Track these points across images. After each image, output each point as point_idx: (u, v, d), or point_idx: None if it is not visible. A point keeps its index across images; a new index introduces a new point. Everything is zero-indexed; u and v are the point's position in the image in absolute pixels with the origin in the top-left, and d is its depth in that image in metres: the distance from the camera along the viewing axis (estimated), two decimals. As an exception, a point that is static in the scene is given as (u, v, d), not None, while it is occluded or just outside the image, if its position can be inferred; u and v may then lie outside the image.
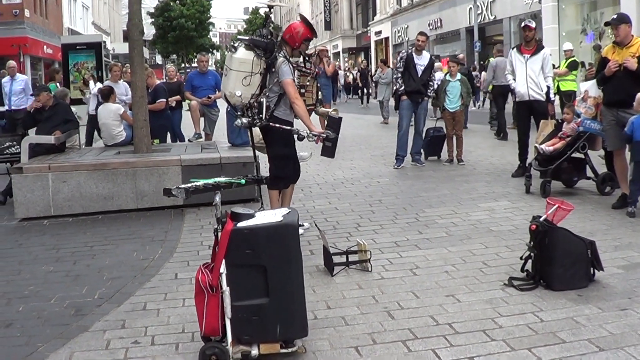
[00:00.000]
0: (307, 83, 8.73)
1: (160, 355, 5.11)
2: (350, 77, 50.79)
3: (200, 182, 5.05)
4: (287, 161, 8.36)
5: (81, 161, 10.82)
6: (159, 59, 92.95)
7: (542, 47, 12.03)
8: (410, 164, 13.79)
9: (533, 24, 11.87)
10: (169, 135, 15.63)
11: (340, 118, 8.47)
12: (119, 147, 12.61)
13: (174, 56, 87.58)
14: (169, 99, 15.10)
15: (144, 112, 11.67)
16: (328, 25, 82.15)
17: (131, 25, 11.79)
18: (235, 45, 8.13)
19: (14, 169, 10.50)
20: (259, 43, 8.07)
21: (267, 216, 4.86)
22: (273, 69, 8.07)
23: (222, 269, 4.68)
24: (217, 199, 4.82)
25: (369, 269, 6.87)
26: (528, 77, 11.60)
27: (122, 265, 7.64)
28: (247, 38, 8.24)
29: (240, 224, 4.72)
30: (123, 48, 69.70)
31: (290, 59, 8.23)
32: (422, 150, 14.17)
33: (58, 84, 18.20)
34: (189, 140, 14.99)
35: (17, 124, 13.84)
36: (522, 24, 12.03)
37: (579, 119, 10.13)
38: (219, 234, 4.75)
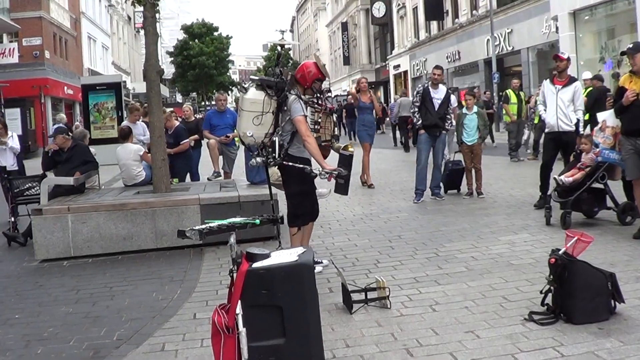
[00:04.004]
0: (319, 120, 8.73)
1: (178, 397, 5.08)
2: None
3: (215, 223, 5.04)
4: (304, 198, 8.34)
5: (100, 202, 10.87)
6: (179, 98, 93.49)
7: (575, 80, 11.88)
8: (429, 198, 13.74)
9: (565, 55, 11.76)
10: (187, 175, 15.68)
11: (351, 155, 8.47)
12: (138, 187, 12.65)
13: (194, 94, 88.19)
14: (189, 139, 15.15)
15: (162, 152, 11.71)
16: (347, 60, 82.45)
17: (148, 66, 11.88)
18: (246, 85, 8.17)
19: (34, 211, 10.53)
20: (269, 82, 8.10)
21: (283, 256, 4.84)
22: (285, 108, 8.10)
23: (238, 309, 4.67)
24: (232, 239, 4.81)
25: (388, 306, 6.82)
26: (558, 107, 11.46)
27: (141, 306, 7.64)
28: (257, 78, 8.28)
29: (256, 265, 4.71)
30: (143, 87, 69.61)
31: (303, 97, 8.24)
32: (441, 184, 14.12)
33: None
34: (208, 179, 15.01)
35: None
36: (553, 55, 11.97)
37: (598, 149, 10.07)
38: (235, 274, 4.74)
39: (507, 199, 13.16)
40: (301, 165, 8.10)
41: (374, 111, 16.99)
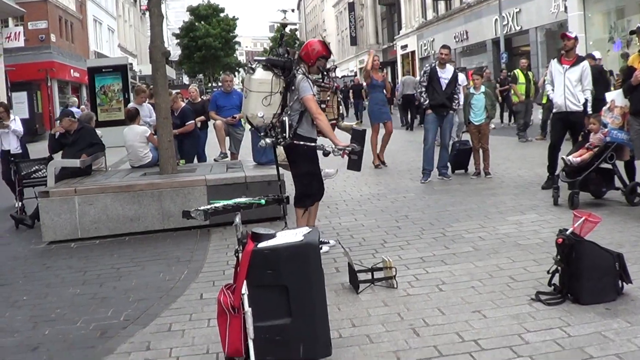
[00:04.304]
0: (327, 98, 8.69)
1: (184, 377, 5.09)
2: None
3: (220, 204, 5.02)
4: (312, 178, 8.32)
5: (107, 183, 10.88)
6: (185, 79, 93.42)
7: (583, 59, 11.77)
8: (437, 178, 13.72)
9: (573, 34, 11.65)
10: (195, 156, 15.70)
11: (365, 130, 8.44)
12: (145, 169, 12.66)
13: (201, 76, 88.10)
14: (195, 120, 15.15)
15: (169, 134, 11.71)
16: (354, 41, 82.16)
17: (154, 48, 11.87)
18: (253, 66, 8.13)
19: (41, 193, 10.55)
20: (277, 62, 8.04)
21: (288, 236, 4.83)
22: (293, 87, 8.06)
23: (244, 289, 4.67)
24: (237, 220, 4.80)
25: (395, 286, 6.81)
26: (566, 87, 11.36)
27: (148, 287, 7.66)
28: (264, 59, 8.24)
29: (261, 245, 4.70)
30: (150, 69, 69.27)
31: (309, 75, 8.21)
32: (448, 164, 14.09)
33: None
34: (214, 160, 14.99)
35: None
36: (561, 34, 11.87)
37: (606, 129, 10.01)
38: (240, 254, 4.73)
39: (514, 179, 13.12)
40: (313, 144, 8.08)
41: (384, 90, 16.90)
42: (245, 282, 4.67)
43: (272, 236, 4.80)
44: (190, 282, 7.67)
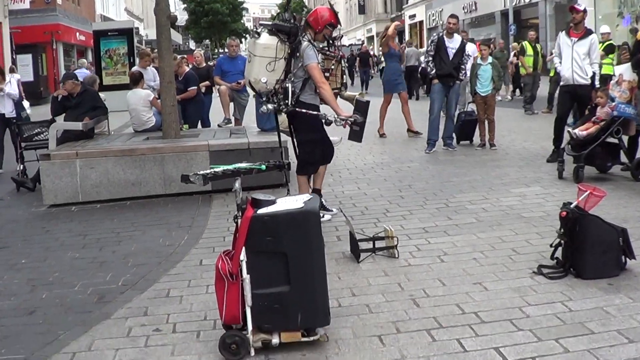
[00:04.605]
0: (332, 67, 8.58)
1: (180, 342, 5.05)
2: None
3: (220, 168, 4.94)
4: (315, 146, 8.25)
5: (109, 147, 10.80)
6: (192, 45, 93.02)
7: (591, 33, 11.60)
8: (441, 148, 13.61)
9: (581, 6, 11.47)
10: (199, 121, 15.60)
11: (368, 101, 8.31)
12: (148, 133, 12.56)
13: (207, 41, 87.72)
14: (200, 85, 15.04)
15: (172, 98, 11.62)
16: (362, 9, 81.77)
17: (158, 10, 11.73)
18: (258, 31, 8.02)
19: (42, 156, 10.47)
20: (283, 28, 7.94)
21: (289, 202, 4.76)
22: (297, 54, 7.97)
23: (242, 256, 4.61)
24: (237, 185, 4.72)
25: (396, 256, 6.76)
26: (574, 60, 11.23)
27: (147, 252, 7.62)
28: (270, 23, 8.13)
29: (261, 211, 4.62)
30: (155, 34, 69.32)
31: (314, 42, 8.11)
32: (454, 135, 13.98)
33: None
34: (218, 126, 14.90)
35: None
36: (569, 7, 11.71)
37: (613, 103, 9.88)
38: (239, 220, 4.66)
39: (519, 152, 13.00)
40: (315, 112, 8.00)
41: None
42: (244, 248, 4.60)
43: (272, 202, 4.73)
44: (190, 248, 7.63)
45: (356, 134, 8.32)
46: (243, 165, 5.07)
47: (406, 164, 12.22)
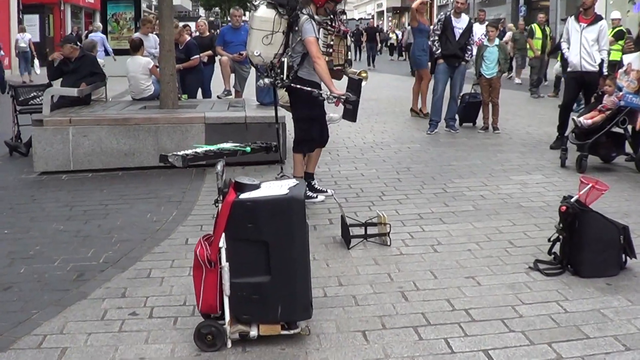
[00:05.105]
0: (332, 42, 8.32)
1: (156, 329, 4.83)
2: (394, 37, 49.71)
3: (203, 149, 4.70)
4: (312, 123, 8.02)
5: (103, 115, 10.56)
6: (201, 12, 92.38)
7: (601, 18, 11.29)
8: (444, 130, 13.34)
9: None
10: (199, 91, 15.34)
11: (361, 80, 8.05)
12: (146, 102, 12.31)
13: (217, 9, 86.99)
14: (202, 54, 14.77)
15: (171, 67, 11.36)
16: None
17: (160, -24, 11.45)
18: (257, 3, 7.80)
19: (34, 121, 10.22)
20: (281, 1, 7.73)
21: (273, 188, 4.51)
22: (296, 28, 7.73)
23: (222, 243, 4.37)
24: (219, 167, 4.48)
25: (388, 243, 6.53)
26: (582, 47, 10.96)
27: (133, 227, 7.40)
28: None
29: (243, 196, 4.38)
30: (166, -1, 68.96)
31: (316, 17, 7.85)
32: (457, 117, 13.71)
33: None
34: (217, 97, 14.66)
35: None
36: None
37: (620, 93, 9.60)
38: (220, 205, 4.42)
39: (523, 137, 12.74)
40: (309, 89, 7.75)
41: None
42: (223, 234, 4.37)
43: (256, 187, 4.48)
44: (177, 225, 7.41)
45: (349, 113, 8.06)
46: (227, 145, 4.81)
47: (406, 145, 11.95)
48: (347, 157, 10.99)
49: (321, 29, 8.01)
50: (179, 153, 4.57)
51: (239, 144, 4.82)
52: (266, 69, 7.91)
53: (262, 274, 4.40)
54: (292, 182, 4.61)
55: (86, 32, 32.21)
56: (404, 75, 28.90)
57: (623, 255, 5.79)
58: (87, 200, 8.59)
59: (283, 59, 7.82)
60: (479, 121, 13.81)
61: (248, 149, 4.76)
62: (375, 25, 42.39)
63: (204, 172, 9.74)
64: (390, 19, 72.31)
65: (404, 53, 41.82)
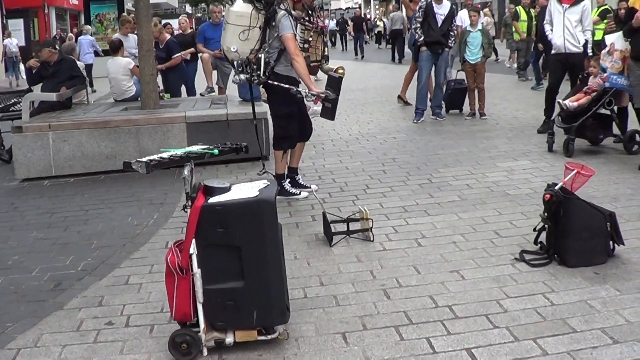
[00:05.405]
0: (310, 38, 8.17)
1: (132, 339, 4.70)
2: (381, 25, 49.40)
3: (168, 153, 4.54)
4: (290, 120, 7.88)
5: (83, 119, 10.41)
6: (188, 8, 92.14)
7: None
8: (430, 118, 13.19)
9: None
10: (184, 89, 15.18)
11: (341, 78, 7.88)
12: (127, 103, 12.16)
13: (203, 4, 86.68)
14: (184, 52, 14.61)
15: (151, 67, 11.22)
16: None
17: (137, -26, 11.27)
18: None
19: (14, 128, 10.09)
20: None
21: (243, 190, 4.36)
22: (273, 23, 7.58)
23: (192, 249, 4.23)
24: (186, 172, 4.34)
25: (371, 239, 6.39)
26: (565, 28, 10.77)
27: (113, 232, 7.28)
28: None
29: (212, 200, 4.24)
30: (151, -2, 68.89)
31: (293, 12, 7.71)
32: (443, 104, 13.56)
33: None
34: (200, 94, 14.51)
35: None
36: None
37: (605, 74, 9.45)
38: (189, 210, 4.28)
39: (510, 121, 12.60)
40: (287, 86, 7.61)
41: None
42: (194, 240, 4.23)
43: (226, 190, 4.34)
44: (158, 228, 7.30)
45: (328, 111, 7.88)
46: (195, 148, 4.65)
47: (392, 135, 11.81)
48: (332, 150, 10.84)
49: (298, 25, 7.89)
50: (142, 159, 4.43)
51: (207, 147, 4.66)
52: (242, 64, 7.75)
53: (236, 280, 4.26)
54: (263, 183, 4.46)
55: (75, 34, 32.04)
56: (391, 64, 28.74)
57: (611, 243, 5.64)
58: (68, 206, 8.47)
59: (260, 55, 7.64)
60: (466, 107, 13.66)
61: (216, 151, 4.60)
62: (362, 14, 42.04)
63: (187, 172, 9.57)
64: (377, 7, 72.10)
65: (389, 41, 41.45)
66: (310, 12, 8.15)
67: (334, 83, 7.77)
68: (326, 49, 8.65)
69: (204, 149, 4.62)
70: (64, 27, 44.81)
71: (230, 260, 4.25)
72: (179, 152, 4.53)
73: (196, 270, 4.24)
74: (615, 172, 8.49)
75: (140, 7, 11.27)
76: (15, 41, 29.42)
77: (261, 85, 8.05)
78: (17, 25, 37.54)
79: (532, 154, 9.77)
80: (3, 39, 31.28)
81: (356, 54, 34.56)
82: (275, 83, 7.62)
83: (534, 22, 19.91)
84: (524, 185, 8.12)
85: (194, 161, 4.52)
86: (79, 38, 26.46)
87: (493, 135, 11.33)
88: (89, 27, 30.39)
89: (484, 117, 13.05)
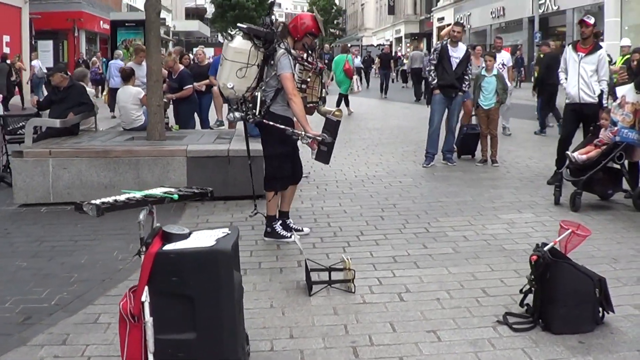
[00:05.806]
0: (308, 78, 8.01)
1: (84, 386, 4.50)
2: (407, 63, 49.19)
3: (125, 196, 4.37)
4: (283, 160, 7.71)
5: (84, 147, 10.32)
6: (220, 38, 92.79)
7: (600, 47, 10.84)
8: (441, 162, 12.98)
9: (591, 20, 10.61)
10: (198, 120, 15.11)
11: (339, 122, 7.70)
12: (135, 132, 12.06)
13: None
14: (199, 83, 14.55)
15: (158, 98, 11.13)
16: (392, 10, 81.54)
17: (148, 6, 11.20)
18: (233, 33, 7.51)
19: (14, 152, 10.05)
20: (258, 32, 7.47)
21: (202, 238, 4.17)
22: (272, 61, 7.45)
23: (144, 297, 4.03)
24: (142, 216, 4.16)
25: (352, 290, 6.15)
26: (580, 77, 10.51)
27: (96, 266, 7.15)
28: (245, 26, 7.59)
29: (167, 247, 4.05)
30: (185, 26, 69.64)
31: (292, 51, 7.57)
32: (454, 148, 13.35)
33: None
34: (210, 127, 14.41)
35: None
36: (579, 19, 10.96)
37: (615, 128, 9.17)
38: (142, 256, 4.09)
39: (521, 170, 12.33)
40: (282, 126, 7.44)
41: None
42: (146, 288, 4.04)
43: (185, 237, 4.16)
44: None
45: (323, 155, 7.70)
46: (156, 192, 4.47)
47: (398, 179, 11.59)
48: (334, 192, 10.64)
49: (297, 65, 7.74)
50: (95, 202, 4.28)
51: (168, 190, 4.48)
52: (237, 102, 7.61)
53: (188, 331, 4.08)
54: (223, 232, 4.27)
55: (105, 60, 32.27)
56: (413, 104, 28.53)
57: (600, 309, 5.36)
58: (59, 235, 8.37)
59: (256, 93, 7.50)
60: (478, 153, 13.41)
61: (176, 196, 4.43)
62: (390, 52, 41.98)
63: (184, 207, 9.44)
64: (408, 45, 72.18)
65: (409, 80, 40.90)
66: (309, 51, 8.00)
67: (332, 126, 7.59)
68: (323, 90, 8.47)
69: (164, 192, 4.44)
70: (95, 50, 45.11)
71: (182, 311, 4.07)
72: (138, 194, 4.36)
73: (148, 318, 4.05)
74: (621, 231, 8.19)
75: (150, 37, 11.23)
76: (39, 63, 29.73)
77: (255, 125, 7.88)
78: (46, 46, 37.94)
79: (538, 206, 9.50)
80: (31, 60, 31.47)
81: (381, 91, 34.23)
82: (271, 123, 7.46)
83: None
84: (523, 240, 7.84)
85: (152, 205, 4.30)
86: (110, 62, 26.57)
87: (501, 184, 11.08)
88: (120, 51, 30.59)
89: (495, 164, 12.79)
